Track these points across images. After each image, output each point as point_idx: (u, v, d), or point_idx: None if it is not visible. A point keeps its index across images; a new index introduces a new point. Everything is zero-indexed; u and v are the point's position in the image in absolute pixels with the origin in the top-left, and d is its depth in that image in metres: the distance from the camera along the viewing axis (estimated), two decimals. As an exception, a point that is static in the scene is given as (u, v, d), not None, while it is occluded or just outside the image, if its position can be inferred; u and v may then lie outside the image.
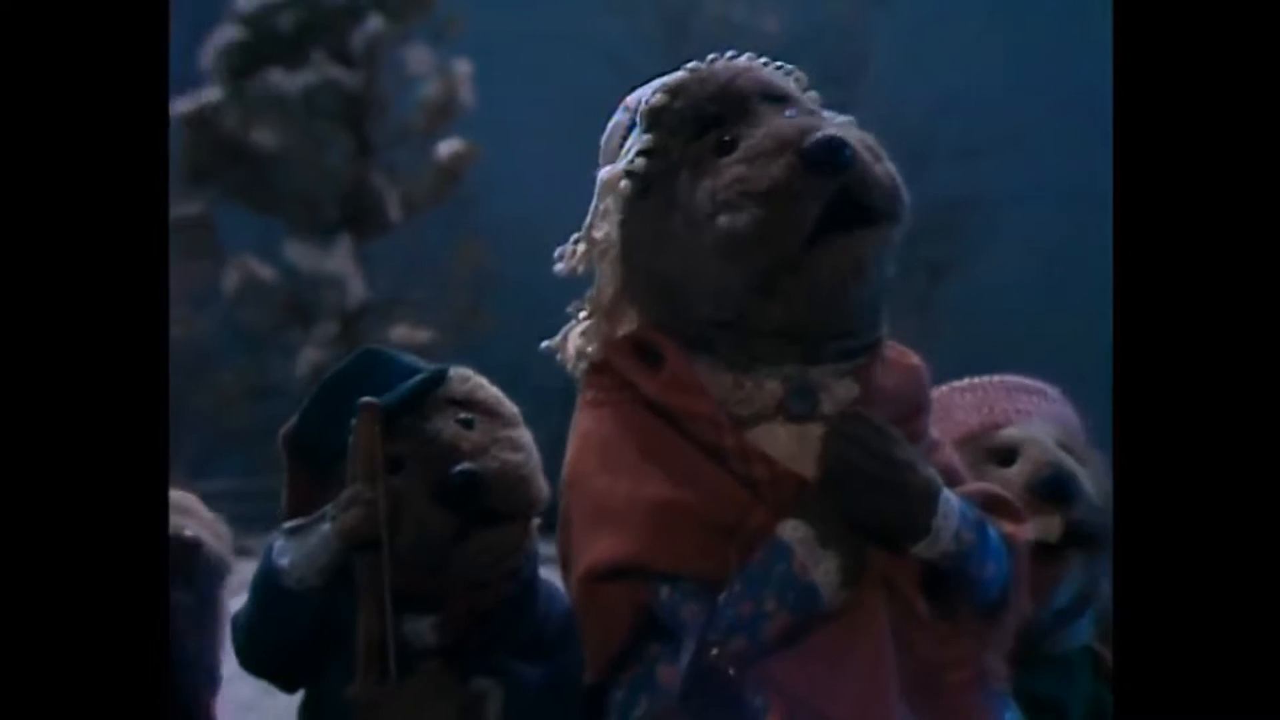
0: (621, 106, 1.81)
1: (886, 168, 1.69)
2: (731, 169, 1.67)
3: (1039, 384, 2.21)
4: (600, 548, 1.66)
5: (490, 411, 2.03)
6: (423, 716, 1.88)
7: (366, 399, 1.95)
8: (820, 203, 1.63)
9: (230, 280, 12.79)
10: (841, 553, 1.63)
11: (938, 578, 1.69)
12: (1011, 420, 2.12)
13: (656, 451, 1.68)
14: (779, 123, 1.70)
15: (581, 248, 1.79)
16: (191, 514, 2.33)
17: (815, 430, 1.68)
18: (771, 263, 1.64)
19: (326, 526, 1.93)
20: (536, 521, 2.05)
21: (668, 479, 1.66)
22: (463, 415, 2.01)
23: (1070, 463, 2.06)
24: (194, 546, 2.23)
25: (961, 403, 2.15)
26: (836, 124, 1.73)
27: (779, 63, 1.83)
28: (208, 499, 2.41)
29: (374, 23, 12.68)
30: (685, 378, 1.70)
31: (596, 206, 1.78)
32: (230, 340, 13.20)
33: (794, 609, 1.62)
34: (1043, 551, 1.96)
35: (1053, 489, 2.02)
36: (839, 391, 1.71)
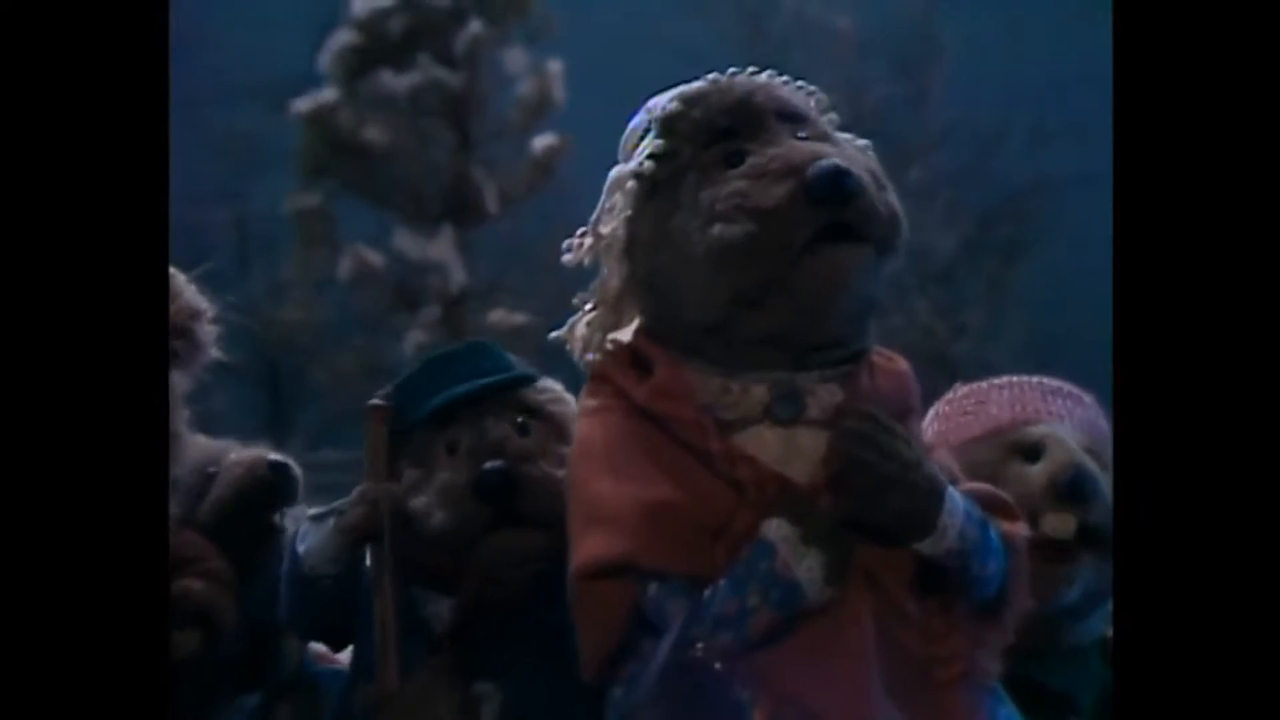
0: (643, 109, 1.78)
1: (888, 198, 1.65)
2: (734, 182, 1.63)
3: (1076, 390, 2.14)
4: (591, 546, 1.63)
5: (554, 427, 1.98)
6: (422, 716, 1.81)
7: (374, 401, 1.94)
8: (812, 229, 1.59)
9: (345, 267, 12.88)
10: (825, 551, 1.59)
11: (928, 576, 1.63)
12: (1042, 419, 2.05)
13: (646, 455, 1.65)
14: (789, 145, 1.65)
15: (589, 241, 1.76)
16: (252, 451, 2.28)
17: (802, 434, 1.64)
18: (758, 277, 1.61)
19: (333, 521, 1.93)
20: None
21: (657, 481, 1.63)
22: (520, 420, 1.97)
23: (1092, 465, 1.99)
24: (284, 466, 2.20)
25: (997, 398, 2.10)
26: (851, 148, 1.69)
27: (800, 82, 1.78)
28: (323, 468, 2.44)
29: (475, 26, 12.70)
30: (672, 384, 1.67)
31: (604, 203, 1.75)
32: (345, 322, 13.32)
33: (778, 606, 1.58)
34: (1055, 549, 1.91)
35: (1073, 489, 1.95)
36: (824, 396, 1.66)
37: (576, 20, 12.57)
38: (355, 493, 1.91)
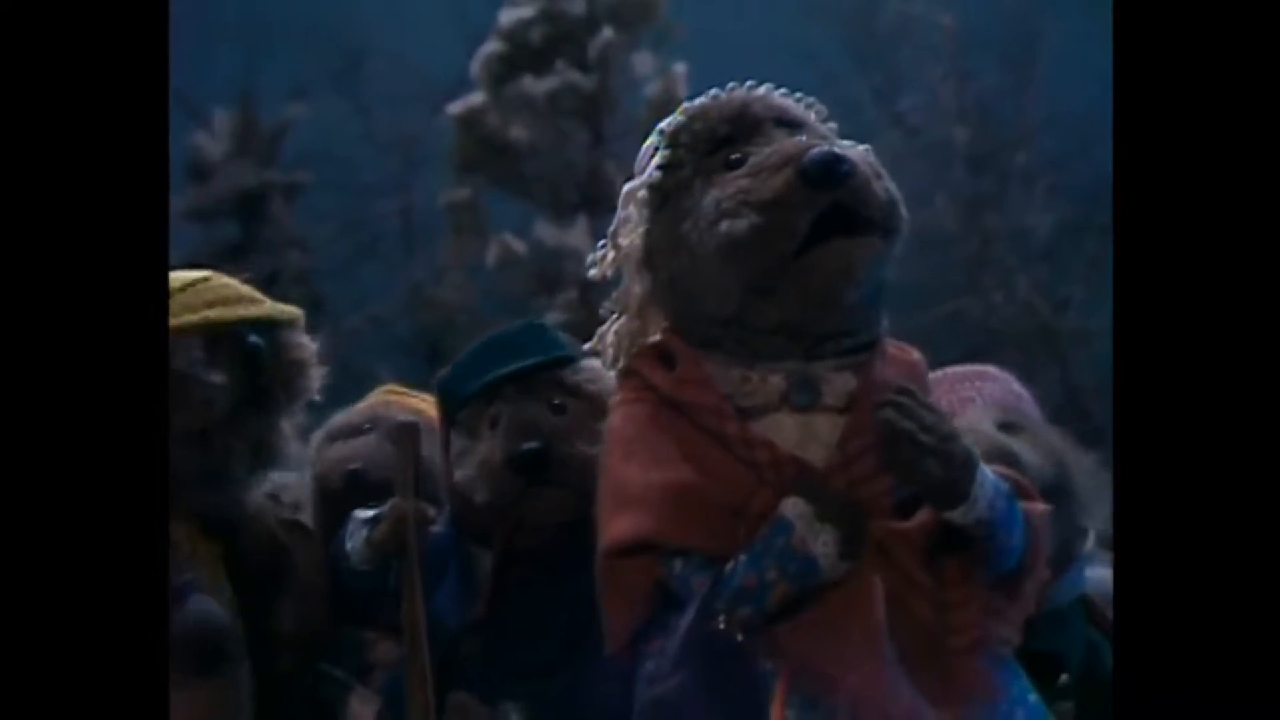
0: (657, 130, 1.76)
1: (885, 185, 1.62)
2: (737, 181, 1.62)
3: (980, 368, 2.11)
4: (619, 526, 1.61)
5: (591, 405, 1.93)
6: None
7: (404, 419, 1.92)
8: (814, 213, 1.57)
9: (492, 254, 12.99)
10: (839, 527, 1.56)
11: (943, 549, 1.59)
12: (955, 411, 1.97)
13: (671, 441, 1.63)
14: (785, 141, 1.63)
15: (611, 254, 1.74)
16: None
17: (818, 420, 1.62)
18: (766, 266, 1.59)
19: (366, 532, 1.91)
20: None
21: (680, 464, 1.61)
22: (557, 401, 1.93)
23: (1003, 440, 1.91)
24: (411, 428, 2.16)
25: None
26: (844, 148, 1.64)
27: (799, 94, 1.75)
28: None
29: (607, 34, 12.71)
30: (694, 374, 1.65)
31: (620, 216, 1.74)
32: (493, 304, 13.43)
33: (795, 580, 1.56)
34: None
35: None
36: (839, 384, 1.63)
37: (699, 26, 12.52)
38: (387, 506, 1.88)
